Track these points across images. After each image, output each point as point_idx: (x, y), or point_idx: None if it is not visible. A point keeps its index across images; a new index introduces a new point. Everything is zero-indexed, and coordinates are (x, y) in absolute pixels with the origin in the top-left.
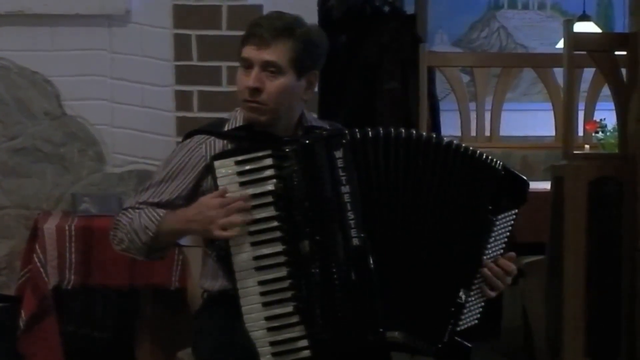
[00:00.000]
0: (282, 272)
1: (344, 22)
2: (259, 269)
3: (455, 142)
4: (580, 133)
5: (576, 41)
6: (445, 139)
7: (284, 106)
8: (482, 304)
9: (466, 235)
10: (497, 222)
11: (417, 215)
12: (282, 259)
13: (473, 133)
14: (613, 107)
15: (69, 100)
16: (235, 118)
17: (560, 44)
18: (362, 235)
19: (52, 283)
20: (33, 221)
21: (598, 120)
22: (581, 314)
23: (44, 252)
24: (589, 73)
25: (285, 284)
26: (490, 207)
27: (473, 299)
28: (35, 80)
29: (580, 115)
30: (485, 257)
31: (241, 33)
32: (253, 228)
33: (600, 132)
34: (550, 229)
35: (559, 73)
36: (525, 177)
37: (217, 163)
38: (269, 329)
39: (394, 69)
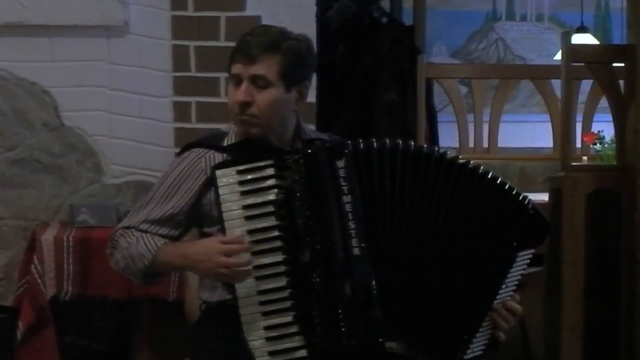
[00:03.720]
0: (282, 281)
1: (342, 33)
2: (259, 278)
3: (478, 165)
4: (578, 145)
5: (574, 53)
6: (464, 160)
7: (276, 118)
8: (489, 336)
9: (487, 263)
10: (518, 259)
11: (425, 232)
12: (282, 268)
13: (471, 144)
14: (611, 119)
15: (67, 111)
16: (235, 132)
17: (558, 56)
18: (363, 244)
19: (50, 294)
20: (31, 232)
21: (596, 132)
22: (579, 325)
23: (41, 263)
24: (586, 85)
25: (285, 293)
26: (515, 243)
27: (483, 329)
28: (34, 91)
29: (578, 127)
30: (501, 291)
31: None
32: (254, 238)
33: (598, 144)
34: (549, 241)
35: (556, 85)
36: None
37: (218, 172)
38: (268, 339)
39: (392, 80)
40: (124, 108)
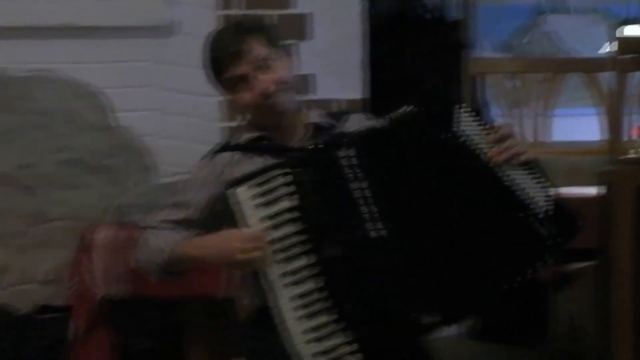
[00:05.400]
0: (312, 283)
1: (386, 30)
2: (288, 285)
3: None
4: (628, 138)
5: (624, 44)
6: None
7: (294, 80)
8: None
9: (492, 192)
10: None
11: (437, 203)
12: (309, 271)
13: (519, 139)
14: None
15: (116, 111)
16: (240, 134)
17: (605, 48)
18: (382, 226)
19: (102, 294)
20: (82, 232)
21: None
22: (630, 320)
23: (92, 263)
24: (636, 77)
25: (317, 294)
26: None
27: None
28: (83, 92)
29: (628, 120)
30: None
31: (289, 42)
32: (276, 247)
33: None
34: (599, 235)
35: (605, 77)
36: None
37: (231, 191)
38: (309, 342)
39: (438, 76)
40: (173, 108)
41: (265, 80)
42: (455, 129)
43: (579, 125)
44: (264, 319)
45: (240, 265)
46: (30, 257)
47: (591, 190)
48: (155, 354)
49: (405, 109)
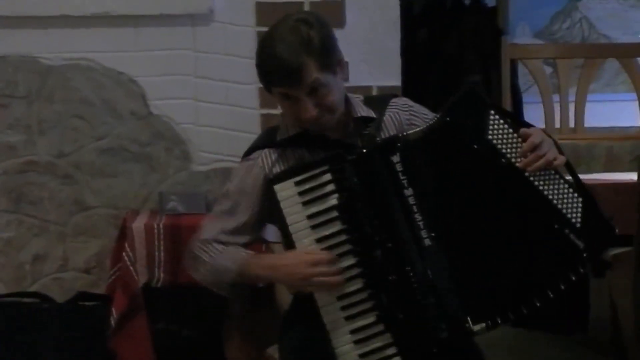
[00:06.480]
0: (359, 283)
1: (424, 17)
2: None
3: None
4: None
5: None
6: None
7: (341, 99)
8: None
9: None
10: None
11: (484, 212)
12: (356, 271)
13: (557, 125)
14: None
15: (154, 99)
16: (286, 126)
17: None
18: (433, 234)
19: (142, 281)
20: (121, 220)
21: None
22: None
23: (133, 250)
24: None
25: (364, 294)
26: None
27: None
28: (121, 81)
29: None
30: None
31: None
32: (323, 245)
33: None
34: (638, 220)
35: None
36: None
37: (277, 187)
38: (356, 342)
39: (475, 62)
40: (211, 95)
41: (311, 109)
42: (489, 137)
43: (617, 111)
44: (304, 311)
45: (307, 288)
46: (71, 245)
47: (629, 176)
48: (194, 342)
49: (440, 117)
